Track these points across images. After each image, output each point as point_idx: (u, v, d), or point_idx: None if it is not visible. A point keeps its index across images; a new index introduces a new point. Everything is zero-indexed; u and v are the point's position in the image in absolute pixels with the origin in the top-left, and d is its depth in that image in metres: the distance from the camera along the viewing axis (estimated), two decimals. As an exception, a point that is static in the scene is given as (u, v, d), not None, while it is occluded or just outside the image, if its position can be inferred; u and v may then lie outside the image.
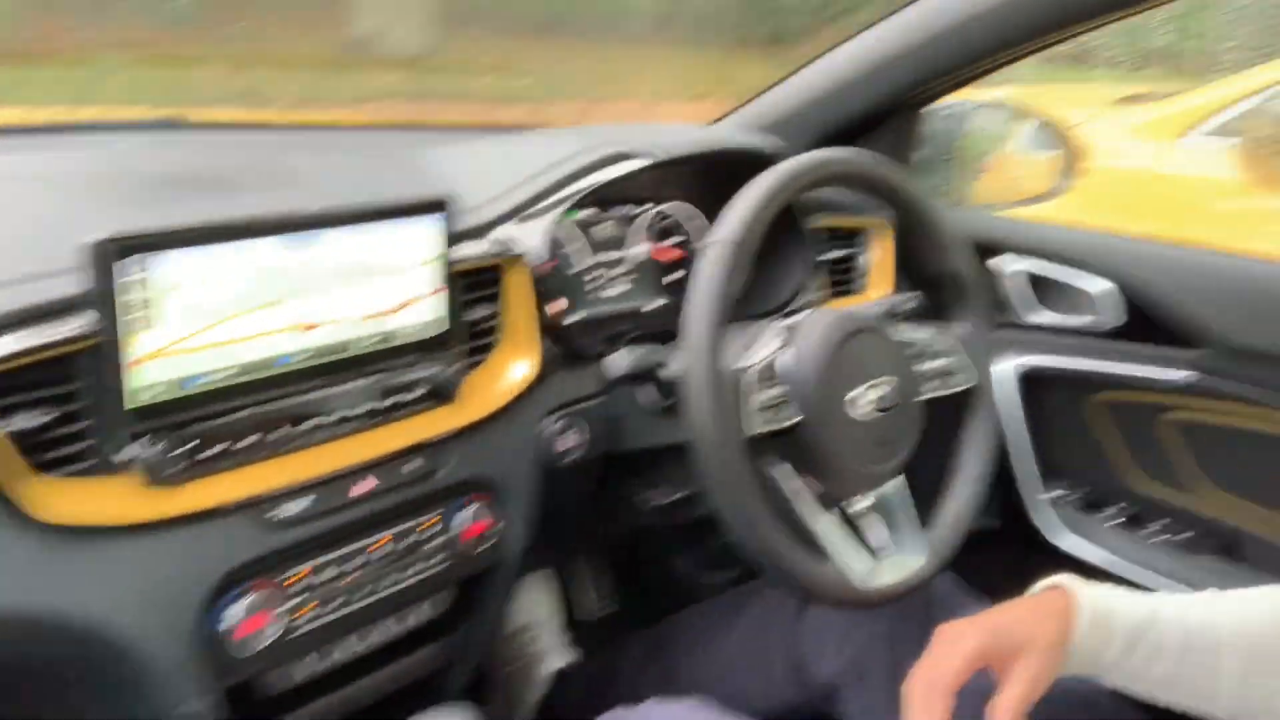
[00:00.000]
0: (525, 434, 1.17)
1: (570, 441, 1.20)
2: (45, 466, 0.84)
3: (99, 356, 0.85)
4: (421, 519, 1.06)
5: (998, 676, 0.87)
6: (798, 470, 1.11)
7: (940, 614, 1.24)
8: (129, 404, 0.86)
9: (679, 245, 1.46)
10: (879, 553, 1.16)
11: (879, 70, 1.51)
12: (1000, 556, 1.39)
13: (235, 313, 0.92)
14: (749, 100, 1.62)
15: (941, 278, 1.26)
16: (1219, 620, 0.91)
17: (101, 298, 0.84)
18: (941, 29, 1.44)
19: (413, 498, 1.05)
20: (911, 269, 1.26)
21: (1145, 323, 1.44)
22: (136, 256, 0.85)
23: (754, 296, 1.22)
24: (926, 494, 1.22)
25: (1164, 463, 1.47)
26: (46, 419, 0.84)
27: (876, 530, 1.19)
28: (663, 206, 1.43)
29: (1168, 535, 1.46)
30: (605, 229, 1.38)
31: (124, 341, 0.85)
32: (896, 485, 1.20)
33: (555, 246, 1.29)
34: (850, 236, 1.57)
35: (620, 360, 1.11)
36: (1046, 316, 1.54)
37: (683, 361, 1.01)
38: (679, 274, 1.46)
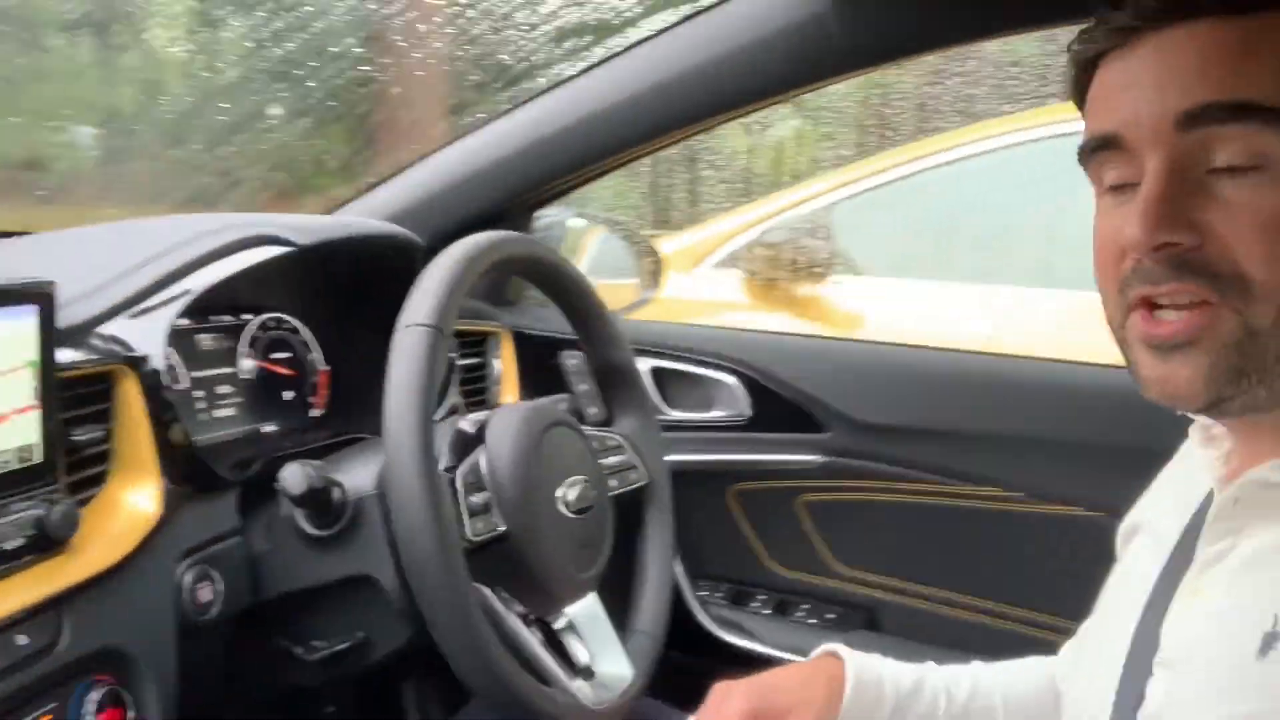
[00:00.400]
0: (159, 586, 0.91)
1: (209, 593, 0.96)
2: None
3: None
4: (38, 711, 0.76)
5: None
6: (497, 586, 0.98)
7: None
8: None
9: (287, 362, 1.26)
10: (586, 672, 1.06)
11: (494, 169, 1.45)
12: (667, 663, 1.33)
13: None
14: (362, 193, 1.48)
15: (610, 372, 1.21)
16: (989, 689, 0.91)
17: None
18: (552, 132, 1.42)
19: (22, 685, 0.75)
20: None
21: (774, 410, 1.48)
22: None
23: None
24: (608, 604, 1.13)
25: (803, 546, 1.50)
26: None
27: (577, 647, 1.08)
28: (264, 317, 1.23)
29: (815, 618, 1.49)
30: (206, 341, 1.16)
31: None
32: (589, 603, 1.10)
33: (170, 373, 1.05)
34: (475, 344, 1.47)
35: (296, 477, 0.91)
36: (679, 413, 1.54)
37: (391, 462, 0.84)
38: (292, 393, 1.26)
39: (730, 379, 1.50)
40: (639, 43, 1.35)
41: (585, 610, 1.09)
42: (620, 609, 1.14)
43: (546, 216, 1.66)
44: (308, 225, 1.12)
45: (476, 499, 0.94)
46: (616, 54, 1.37)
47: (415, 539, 0.83)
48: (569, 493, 1.03)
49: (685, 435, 1.52)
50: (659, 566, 1.18)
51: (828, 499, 1.48)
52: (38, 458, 0.80)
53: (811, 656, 0.91)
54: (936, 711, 0.88)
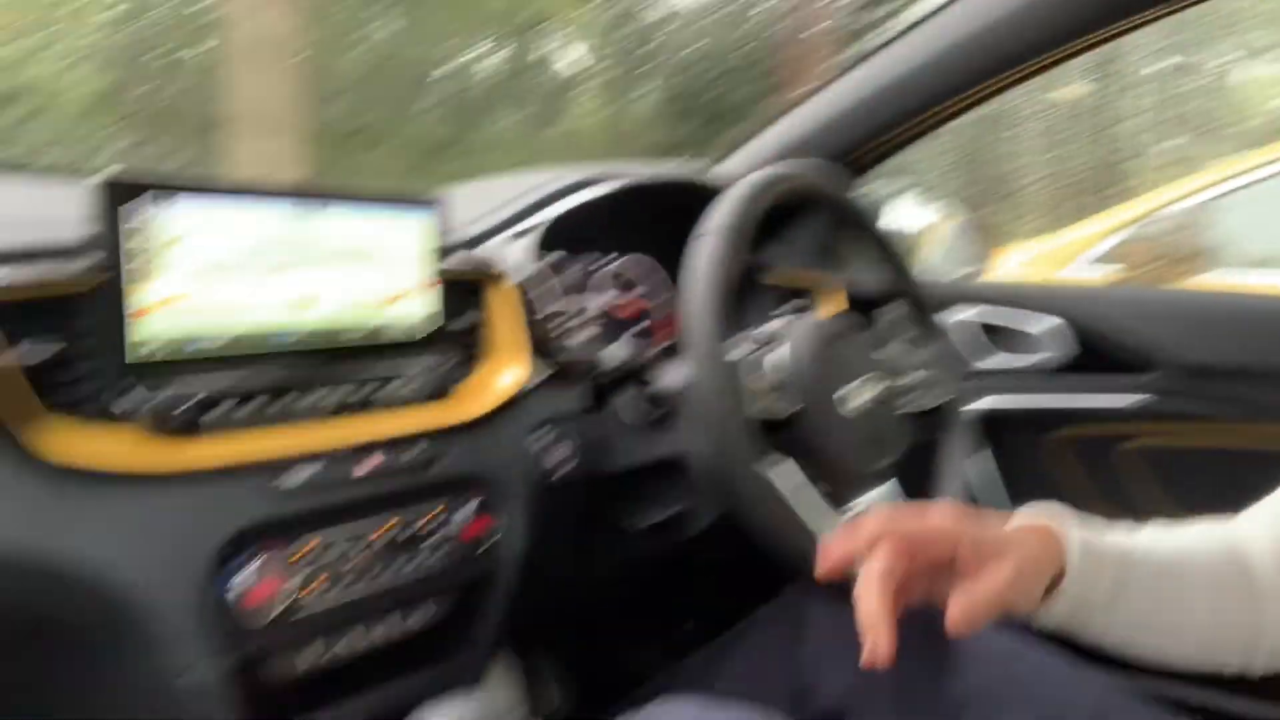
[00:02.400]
0: (518, 440, 1.13)
1: (560, 455, 1.17)
2: (52, 406, 0.79)
3: (101, 300, 0.81)
4: (422, 509, 1.01)
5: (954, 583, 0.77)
6: (799, 460, 1.09)
7: (937, 633, 1.22)
8: (129, 357, 0.82)
9: (645, 295, 1.47)
10: None
11: (819, 132, 1.59)
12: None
13: (236, 277, 0.89)
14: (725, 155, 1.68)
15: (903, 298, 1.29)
16: (1192, 548, 0.88)
17: (107, 239, 0.80)
18: (880, 86, 1.52)
19: (413, 486, 1.01)
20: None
21: (1095, 355, 1.49)
22: (144, 200, 0.82)
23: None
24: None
25: (1125, 492, 1.49)
26: (50, 355, 0.78)
27: None
28: (627, 258, 1.45)
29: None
30: (574, 274, 1.39)
31: (127, 289, 0.82)
32: (889, 493, 1.19)
33: (543, 277, 1.29)
34: (800, 295, 1.61)
35: (617, 351, 1.10)
36: (998, 359, 1.59)
37: (686, 347, 1.00)
38: (642, 325, 1.47)
39: (1051, 323, 1.53)
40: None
41: (885, 498, 1.19)
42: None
43: (873, 187, 1.78)
44: (635, 170, 1.33)
45: (768, 380, 1.08)
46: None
47: (702, 405, 0.98)
48: (861, 389, 1.14)
49: (1005, 381, 1.57)
50: (957, 479, 1.25)
51: (1152, 444, 1.46)
52: (428, 330, 1.06)
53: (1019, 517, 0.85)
54: (1146, 577, 0.83)
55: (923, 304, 1.29)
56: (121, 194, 0.81)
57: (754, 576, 1.32)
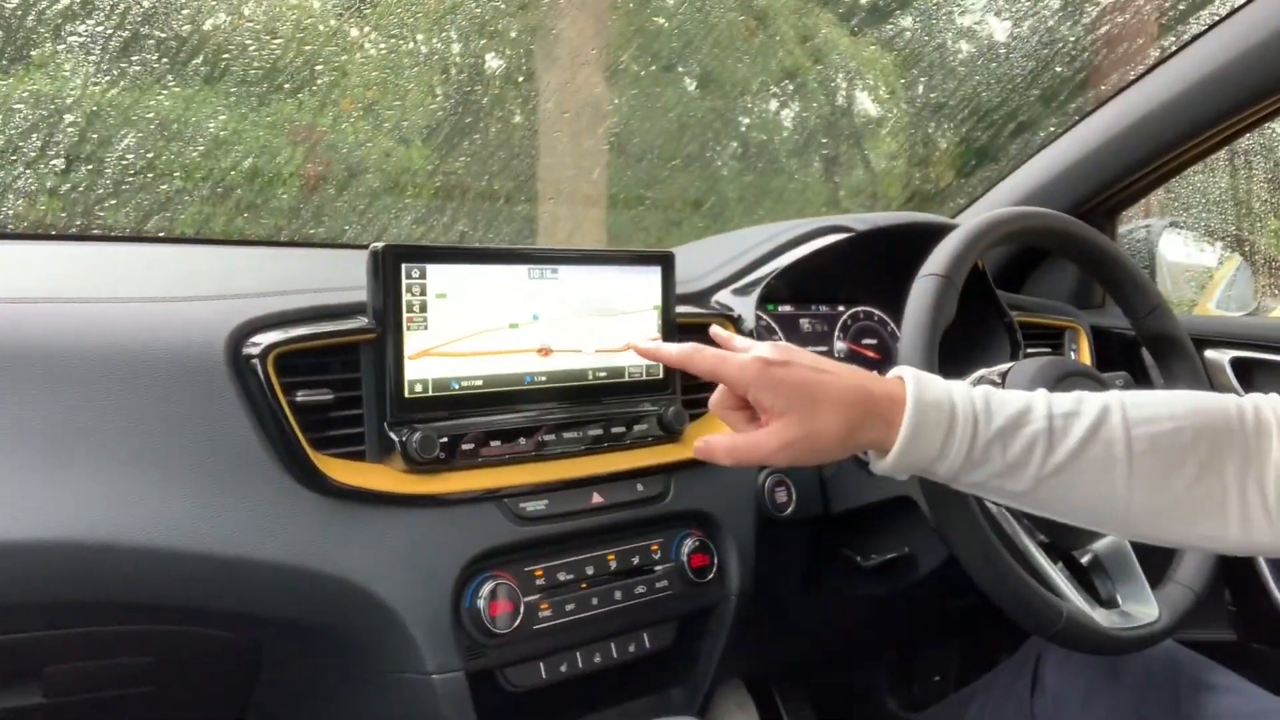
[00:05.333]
0: (743, 481, 1.21)
1: (784, 493, 1.23)
2: (332, 440, 0.95)
3: (378, 350, 0.96)
4: (649, 541, 1.10)
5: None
6: (1018, 516, 1.10)
7: (1187, 685, 1.17)
8: (406, 393, 0.97)
9: (874, 347, 1.51)
10: (1109, 604, 1.13)
11: (1066, 176, 1.57)
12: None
13: (489, 328, 1.03)
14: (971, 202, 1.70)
15: (1157, 340, 1.26)
16: (1115, 434, 0.80)
17: (386, 295, 0.95)
18: (1129, 124, 1.50)
19: (641, 518, 1.10)
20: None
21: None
22: (415, 264, 0.97)
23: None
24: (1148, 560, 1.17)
25: None
26: (328, 399, 0.94)
27: (1103, 583, 1.15)
28: (856, 309, 1.50)
29: None
30: (806, 324, 1.46)
31: (404, 337, 0.97)
32: (1116, 541, 1.17)
33: (765, 332, 1.37)
34: (1051, 338, 1.60)
35: None
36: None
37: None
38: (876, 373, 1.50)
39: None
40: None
41: (1112, 549, 1.16)
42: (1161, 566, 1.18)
43: (1134, 224, 1.73)
44: (869, 218, 1.38)
45: (984, 425, 1.09)
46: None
47: None
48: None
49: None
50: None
51: None
52: (660, 375, 1.16)
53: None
54: (1028, 462, 0.78)
55: (1177, 344, 1.25)
56: (399, 256, 0.96)
57: (997, 625, 1.31)
